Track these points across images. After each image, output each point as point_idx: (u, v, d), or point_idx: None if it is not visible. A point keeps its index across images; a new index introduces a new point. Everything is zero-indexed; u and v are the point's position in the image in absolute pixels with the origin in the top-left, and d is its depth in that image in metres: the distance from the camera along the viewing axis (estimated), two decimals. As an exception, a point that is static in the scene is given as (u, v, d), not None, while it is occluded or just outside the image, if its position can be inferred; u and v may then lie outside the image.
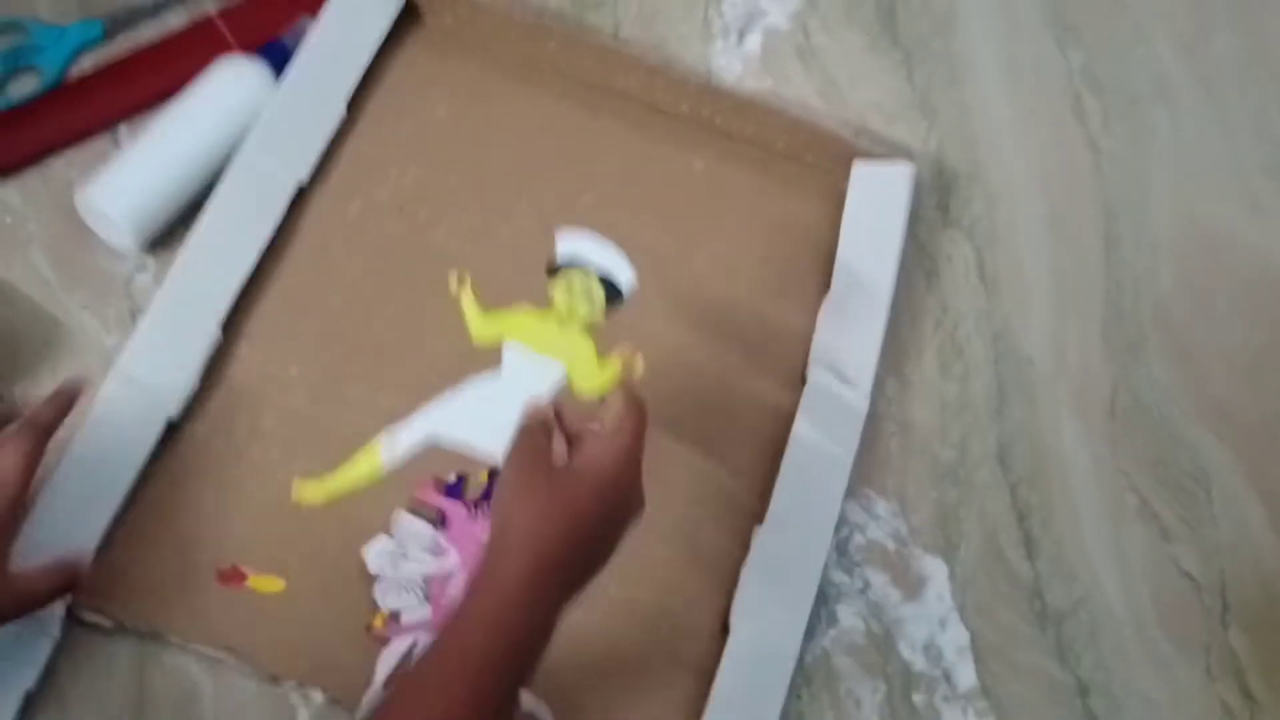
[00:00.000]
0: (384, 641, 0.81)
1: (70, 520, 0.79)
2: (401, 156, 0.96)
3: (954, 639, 0.89)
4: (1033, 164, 1.06)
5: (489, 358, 0.89)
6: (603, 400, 0.73)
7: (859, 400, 0.91)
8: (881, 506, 0.92)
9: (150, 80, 0.95)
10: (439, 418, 0.80)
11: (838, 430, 0.90)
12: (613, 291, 0.78)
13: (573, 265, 0.78)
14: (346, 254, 0.92)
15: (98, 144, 0.93)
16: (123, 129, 0.94)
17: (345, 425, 0.86)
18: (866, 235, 0.97)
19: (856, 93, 1.07)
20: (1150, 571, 0.93)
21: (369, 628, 0.81)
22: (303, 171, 0.92)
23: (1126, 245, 1.03)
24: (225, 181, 0.90)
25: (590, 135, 1.00)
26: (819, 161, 1.00)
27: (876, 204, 0.98)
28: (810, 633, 0.85)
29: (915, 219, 1.00)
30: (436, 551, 0.84)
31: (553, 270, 0.78)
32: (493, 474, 0.86)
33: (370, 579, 0.83)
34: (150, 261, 0.90)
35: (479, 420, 0.78)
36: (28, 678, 0.76)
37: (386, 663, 0.80)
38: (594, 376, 0.75)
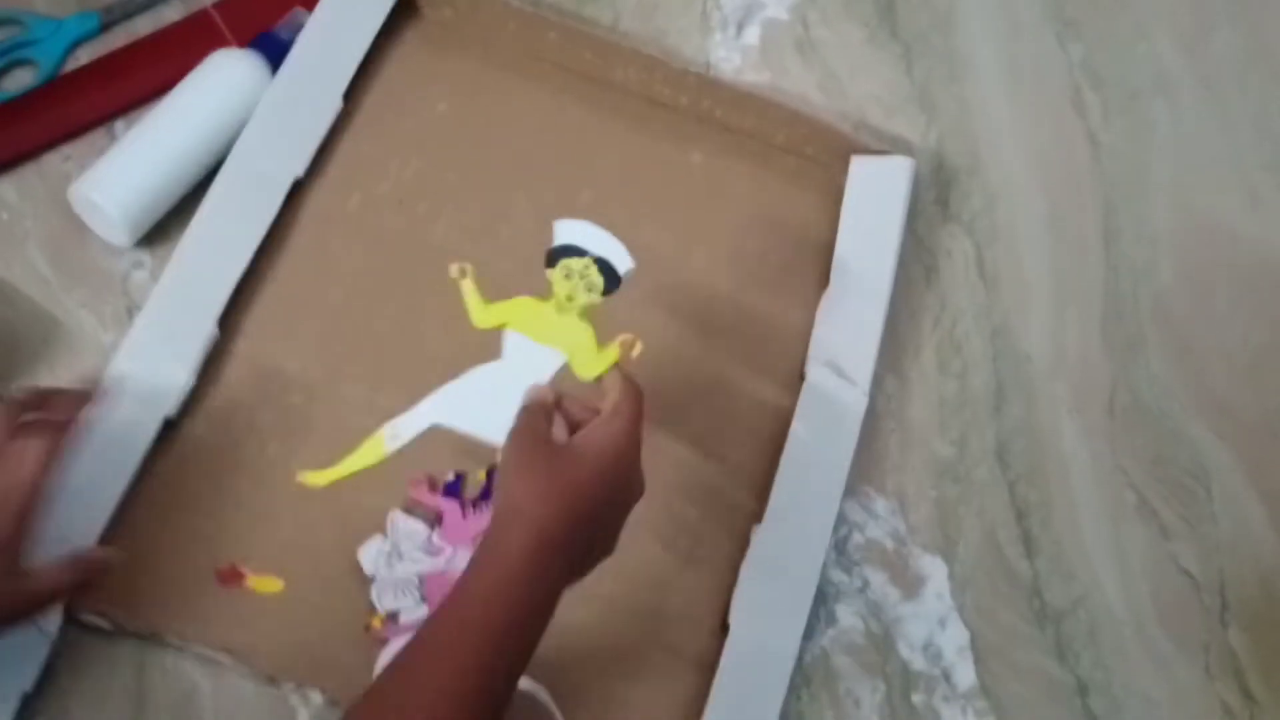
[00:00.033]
0: (382, 642, 0.81)
1: (68, 519, 0.78)
2: (401, 151, 0.96)
3: (953, 638, 0.89)
4: (1032, 159, 1.06)
5: (489, 352, 0.89)
6: (599, 382, 0.74)
7: (857, 397, 0.91)
8: (880, 505, 0.92)
9: (147, 74, 0.94)
10: (442, 405, 0.80)
11: (836, 428, 0.90)
12: (610, 278, 0.78)
13: (570, 253, 0.78)
14: (345, 249, 0.92)
15: (94, 138, 0.93)
16: (119, 123, 0.93)
17: (344, 423, 0.86)
18: (865, 230, 0.97)
19: (856, 86, 1.06)
20: (1149, 570, 0.93)
21: (368, 628, 0.81)
22: (299, 166, 0.92)
23: (1126, 241, 1.03)
24: (221, 177, 0.89)
25: (589, 129, 0.99)
26: (818, 155, 1.00)
27: (875, 199, 0.97)
28: (809, 632, 0.85)
29: (914, 214, 1.00)
30: (432, 551, 0.84)
31: (551, 258, 0.79)
32: (491, 472, 0.86)
33: (368, 579, 0.82)
34: (147, 258, 0.90)
35: (481, 407, 0.79)
36: (25, 679, 0.76)
37: (385, 662, 0.80)
38: (594, 362, 0.76)
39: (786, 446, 0.89)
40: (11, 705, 0.75)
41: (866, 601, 0.89)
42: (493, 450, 0.86)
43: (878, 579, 0.90)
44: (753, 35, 1.07)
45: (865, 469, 0.92)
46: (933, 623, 0.89)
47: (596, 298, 0.77)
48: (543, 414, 0.71)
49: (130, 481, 0.81)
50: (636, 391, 0.72)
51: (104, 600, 0.79)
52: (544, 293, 0.91)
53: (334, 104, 0.94)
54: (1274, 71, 1.11)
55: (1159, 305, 1.01)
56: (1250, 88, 1.10)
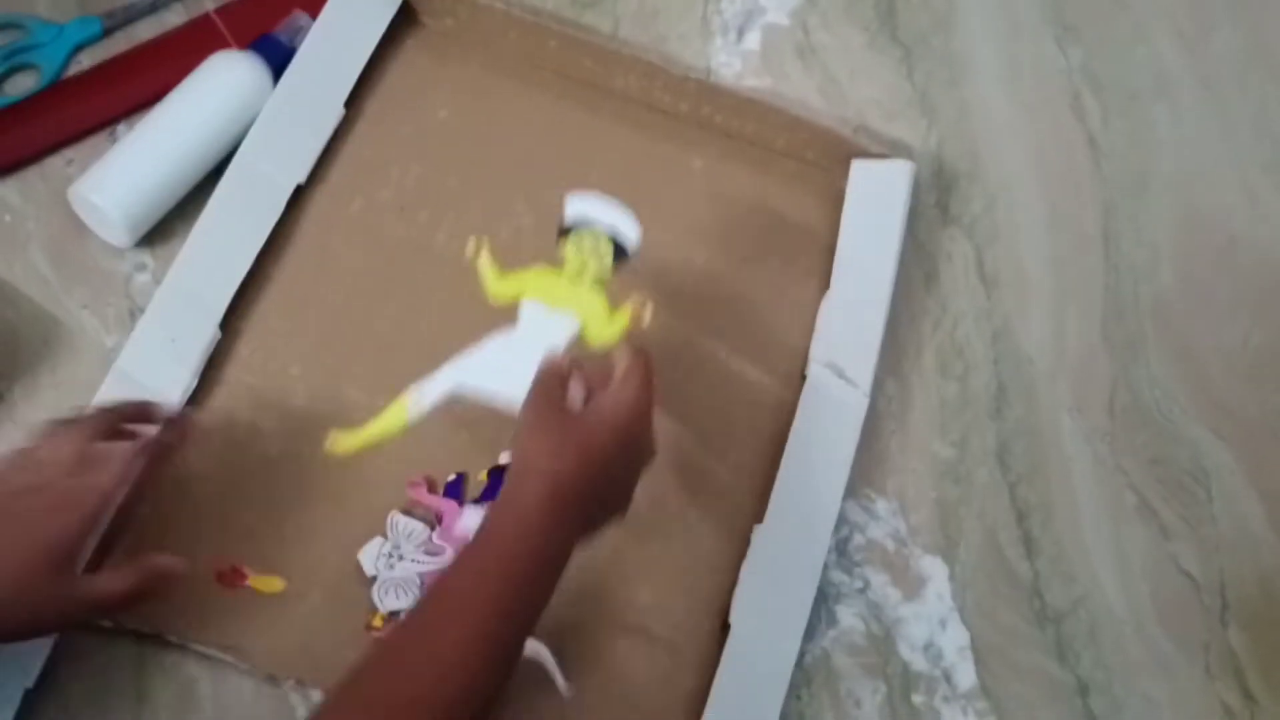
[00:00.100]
0: (383, 641, 0.81)
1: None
2: (402, 157, 0.96)
3: (954, 639, 0.89)
4: (1032, 162, 1.06)
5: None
6: (611, 352, 0.76)
7: (858, 399, 0.91)
8: (881, 506, 0.92)
9: (148, 77, 0.94)
10: (462, 371, 0.81)
11: (837, 429, 0.90)
12: (620, 249, 0.79)
13: (581, 225, 0.79)
14: (347, 254, 0.92)
15: (96, 142, 0.93)
16: (121, 126, 0.94)
17: (346, 424, 0.86)
18: (866, 233, 0.97)
19: (856, 90, 1.07)
20: (1150, 570, 0.93)
21: (369, 627, 0.81)
22: (300, 172, 0.92)
23: (1126, 242, 1.03)
24: (224, 181, 0.90)
25: (590, 135, 1.00)
26: (818, 159, 1.00)
27: (876, 202, 0.98)
28: (810, 633, 0.86)
29: (914, 217, 1.00)
30: (432, 551, 0.84)
31: (563, 231, 0.80)
32: (492, 473, 0.86)
33: (369, 579, 0.83)
34: (150, 261, 0.90)
35: (500, 372, 0.79)
36: (28, 674, 0.76)
37: (385, 663, 0.80)
38: (606, 328, 0.77)
39: (787, 447, 0.89)
40: (14, 700, 0.75)
41: (867, 602, 0.89)
42: (509, 421, 0.85)
43: (878, 580, 0.90)
44: (753, 40, 1.08)
45: (866, 470, 0.92)
46: (933, 623, 0.89)
47: (607, 270, 0.78)
48: (557, 380, 0.74)
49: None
50: (646, 359, 0.75)
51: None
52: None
53: (336, 111, 0.95)
54: (1273, 72, 1.11)
55: (1159, 306, 1.01)
56: (1250, 88, 1.11)
